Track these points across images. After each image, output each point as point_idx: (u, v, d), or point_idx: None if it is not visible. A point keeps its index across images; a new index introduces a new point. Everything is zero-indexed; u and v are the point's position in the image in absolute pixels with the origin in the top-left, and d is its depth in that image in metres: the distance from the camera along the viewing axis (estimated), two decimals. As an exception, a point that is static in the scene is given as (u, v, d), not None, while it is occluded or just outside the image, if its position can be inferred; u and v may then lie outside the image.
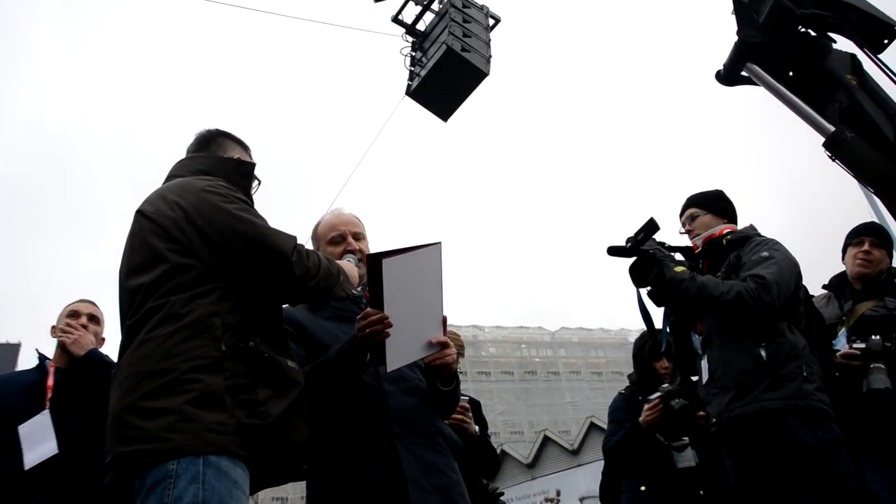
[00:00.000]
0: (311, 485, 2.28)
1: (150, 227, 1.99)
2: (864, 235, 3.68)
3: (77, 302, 3.39)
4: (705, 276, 3.07)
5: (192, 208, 1.97)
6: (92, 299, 3.47)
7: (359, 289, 2.39)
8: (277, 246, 1.94)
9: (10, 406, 3.03)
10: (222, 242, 1.93)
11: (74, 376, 3.14)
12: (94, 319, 3.34)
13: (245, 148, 2.40)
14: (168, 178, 2.21)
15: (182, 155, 2.35)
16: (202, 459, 1.67)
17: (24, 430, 2.96)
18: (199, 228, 1.94)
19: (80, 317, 3.31)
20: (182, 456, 1.66)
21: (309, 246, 2.36)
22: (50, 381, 3.12)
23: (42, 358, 3.27)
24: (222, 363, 1.79)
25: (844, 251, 3.75)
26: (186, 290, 1.88)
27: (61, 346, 3.23)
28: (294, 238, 2.01)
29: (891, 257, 3.68)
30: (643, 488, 3.64)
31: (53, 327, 3.32)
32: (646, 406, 3.56)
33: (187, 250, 1.93)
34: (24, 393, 3.09)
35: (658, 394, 3.52)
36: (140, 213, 2.05)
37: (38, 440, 2.95)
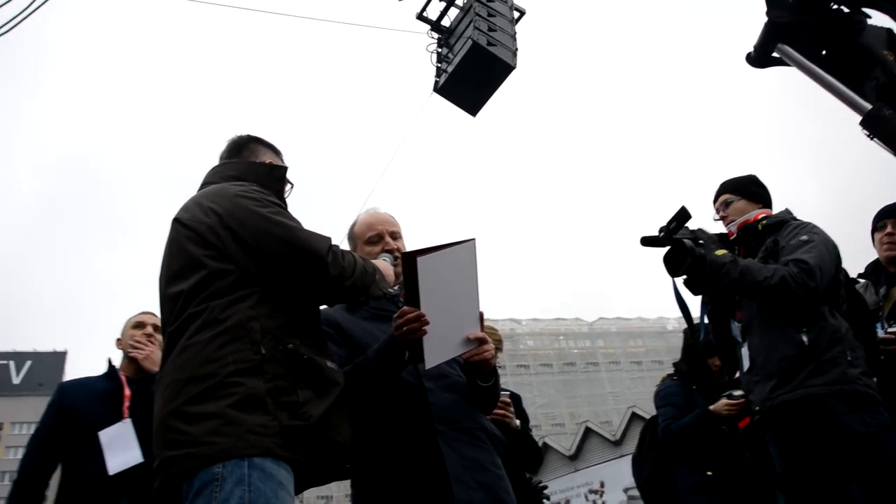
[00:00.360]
0: (356, 483, 2.30)
1: (186, 234, 2.03)
2: (886, 218, 3.62)
3: (141, 314, 3.50)
4: (747, 259, 3.02)
5: (226, 213, 2.00)
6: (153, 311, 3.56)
7: (395, 287, 2.41)
8: (313, 247, 1.97)
9: (87, 411, 3.14)
10: (257, 246, 1.96)
11: (148, 388, 3.22)
12: (159, 329, 3.41)
13: (276, 152, 2.42)
14: (202, 186, 2.25)
15: (215, 161, 2.38)
16: (247, 462, 1.70)
17: (105, 436, 3.05)
18: (235, 233, 1.97)
19: (146, 327, 3.41)
20: (227, 459, 1.70)
21: (345, 246, 2.38)
22: (127, 391, 3.22)
23: (112, 367, 3.37)
24: (263, 366, 1.82)
25: (873, 237, 3.68)
26: (225, 294, 1.91)
27: (130, 359, 3.34)
28: (329, 239, 2.03)
29: None
30: (709, 473, 3.72)
31: (119, 340, 3.43)
32: (728, 401, 3.69)
33: (224, 255, 1.96)
34: (101, 400, 3.19)
35: (741, 392, 3.55)
36: (176, 221, 2.09)
37: (122, 447, 3.04)
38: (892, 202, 3.70)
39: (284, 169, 2.30)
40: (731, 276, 2.90)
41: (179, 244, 2.04)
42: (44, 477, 3.12)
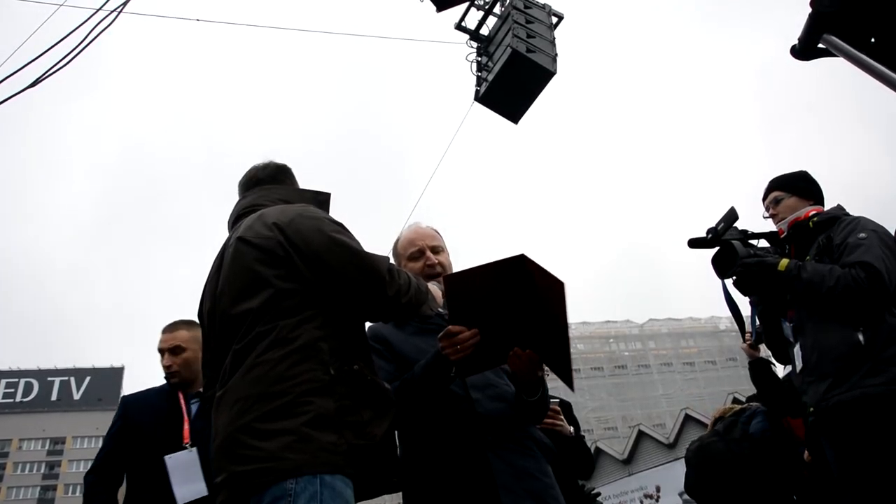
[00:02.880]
0: (406, 495, 2.32)
1: (251, 253, 2.04)
2: None
3: (160, 339, 3.46)
4: (807, 264, 2.97)
5: (290, 229, 2.03)
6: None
7: (443, 307, 2.43)
8: (374, 267, 2.01)
9: (150, 428, 3.16)
10: (320, 263, 1.98)
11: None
12: (178, 343, 3.41)
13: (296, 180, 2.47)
14: (247, 208, 2.27)
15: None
16: (318, 479, 1.74)
17: (171, 462, 3.06)
18: (299, 249, 2.00)
19: (164, 355, 3.38)
20: (300, 475, 1.73)
21: None
22: (185, 415, 3.23)
23: (169, 385, 3.37)
24: (332, 387, 1.86)
25: None
26: (293, 314, 1.94)
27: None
28: (387, 258, 2.08)
29: None
30: None
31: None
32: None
33: (290, 274, 1.99)
34: (162, 418, 3.21)
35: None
36: (240, 240, 2.11)
37: (188, 477, 3.04)
38: None
39: (328, 195, 2.34)
40: (797, 291, 2.93)
41: (244, 263, 2.05)
42: (112, 490, 3.17)
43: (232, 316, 2.03)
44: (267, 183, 2.36)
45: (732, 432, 3.92)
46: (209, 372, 2.15)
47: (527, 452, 2.32)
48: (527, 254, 2.09)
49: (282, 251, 2.00)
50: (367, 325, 2.43)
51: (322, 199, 2.31)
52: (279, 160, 2.44)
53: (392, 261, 2.63)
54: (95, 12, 5.90)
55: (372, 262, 2.02)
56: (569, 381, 2.17)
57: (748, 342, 3.65)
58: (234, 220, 2.28)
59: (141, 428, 3.18)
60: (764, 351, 3.75)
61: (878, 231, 2.97)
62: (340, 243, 2.02)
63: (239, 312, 2.01)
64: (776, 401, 3.75)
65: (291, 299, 1.96)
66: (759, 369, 3.74)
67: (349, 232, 2.12)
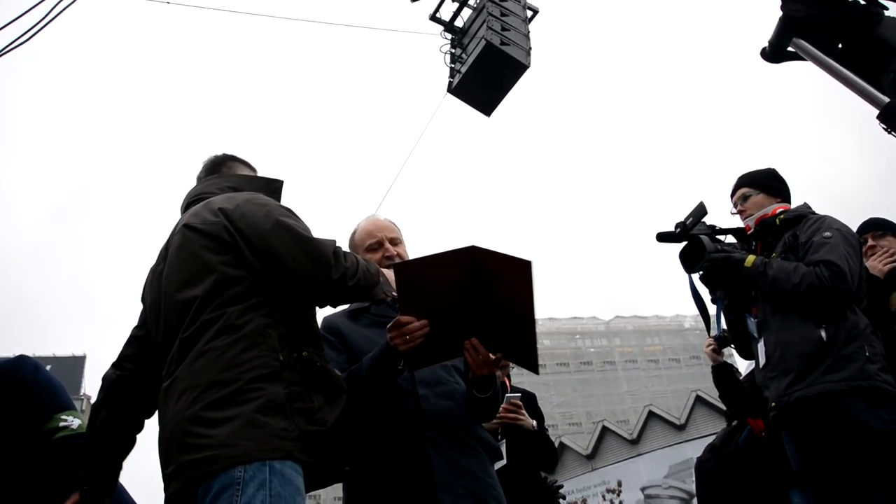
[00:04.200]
0: (347, 487, 2.31)
1: (197, 240, 2.03)
2: (864, 233, 3.65)
3: None
4: (773, 261, 3.01)
5: (236, 214, 2.02)
6: None
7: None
8: (318, 250, 1.98)
9: None
10: (265, 248, 1.96)
11: None
12: None
13: (252, 168, 2.45)
14: (196, 197, 2.25)
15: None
16: (268, 467, 1.72)
17: None
18: (245, 235, 1.98)
19: None
20: (250, 462, 1.71)
21: None
22: None
23: None
24: (281, 373, 1.84)
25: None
26: (240, 301, 1.92)
27: None
28: (333, 242, 2.05)
29: None
30: None
31: None
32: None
33: (237, 261, 1.97)
34: None
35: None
36: (186, 227, 2.09)
37: None
38: (869, 217, 3.74)
39: (281, 182, 2.32)
40: (763, 289, 2.98)
41: (190, 250, 2.04)
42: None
43: (177, 302, 2.00)
44: (217, 172, 2.36)
45: (728, 446, 3.99)
46: (136, 347, 2.15)
47: (470, 452, 2.31)
48: (479, 244, 2.05)
49: (228, 237, 1.99)
50: (322, 315, 2.42)
51: (274, 188, 2.29)
52: (241, 148, 2.43)
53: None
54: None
55: (317, 245, 1.99)
56: (534, 367, 2.15)
57: (711, 347, 3.71)
58: (184, 209, 2.26)
59: None
60: (727, 353, 3.82)
61: (842, 230, 3.02)
62: (285, 227, 1.99)
63: (184, 299, 1.98)
64: (737, 403, 3.83)
65: (238, 286, 1.94)
66: (721, 374, 3.81)
67: (297, 217, 2.10)
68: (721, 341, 3.66)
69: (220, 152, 2.44)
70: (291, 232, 1.99)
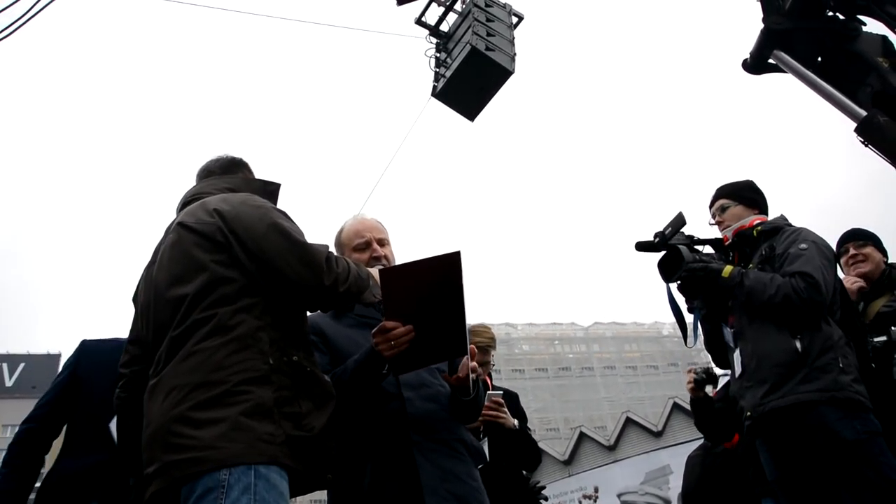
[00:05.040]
0: (331, 492, 2.29)
1: (190, 238, 2.02)
2: (846, 243, 3.73)
3: None
4: (750, 272, 3.04)
5: (230, 215, 2.01)
6: None
7: None
8: (311, 256, 1.97)
9: (99, 387, 2.88)
10: (258, 251, 1.95)
11: None
12: None
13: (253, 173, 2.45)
14: (193, 196, 2.24)
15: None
16: (253, 471, 1.70)
17: (114, 426, 2.86)
18: (238, 236, 1.97)
19: None
20: (235, 465, 1.69)
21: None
22: None
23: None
24: (270, 376, 1.83)
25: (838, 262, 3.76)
26: (231, 302, 1.91)
27: None
28: (326, 247, 2.04)
29: (883, 252, 3.71)
30: None
31: None
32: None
33: (230, 261, 1.96)
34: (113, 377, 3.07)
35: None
36: (180, 225, 2.08)
37: None
38: (849, 228, 3.82)
39: (278, 185, 2.31)
40: (739, 298, 3.01)
41: (183, 248, 2.02)
42: (46, 442, 2.94)
43: (168, 300, 1.98)
44: (218, 174, 2.34)
45: (718, 446, 4.05)
46: (133, 350, 2.12)
47: (455, 455, 2.31)
48: (458, 248, 2.06)
49: (221, 237, 1.97)
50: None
51: (271, 190, 2.27)
52: (228, 146, 2.41)
53: (334, 250, 2.61)
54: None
55: (310, 250, 1.98)
56: (463, 350, 2.21)
57: (691, 386, 3.80)
58: (180, 209, 2.24)
59: (91, 385, 2.94)
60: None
61: (817, 242, 3.06)
62: (280, 230, 1.98)
63: (174, 297, 1.96)
64: (713, 432, 3.94)
65: (230, 286, 1.93)
66: (699, 407, 3.89)
67: (293, 221, 2.09)
68: (699, 383, 3.78)
69: (231, 155, 2.43)
70: (285, 235, 1.98)
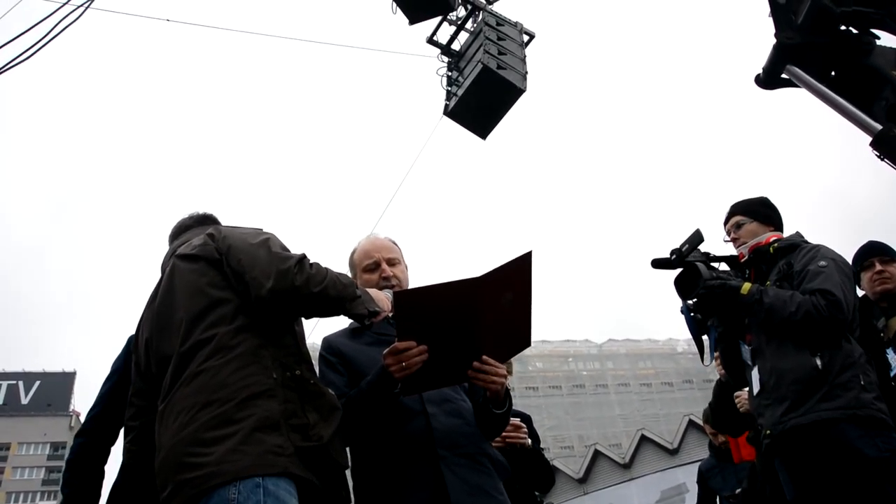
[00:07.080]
0: None
1: (188, 266, 2.11)
2: (871, 257, 3.69)
3: None
4: (769, 289, 3.02)
5: (220, 236, 2.11)
6: None
7: (391, 314, 2.37)
8: (281, 256, 2.00)
9: None
10: (237, 266, 2.01)
11: None
12: None
13: None
14: (182, 244, 2.29)
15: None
16: (262, 489, 1.71)
17: None
18: (228, 255, 2.05)
19: None
20: (247, 477, 1.71)
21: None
22: None
23: None
24: (276, 390, 1.87)
25: (859, 277, 3.71)
26: (229, 322, 1.96)
27: None
28: (298, 254, 2.03)
29: None
30: None
31: None
32: None
33: (224, 282, 2.02)
34: None
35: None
36: (177, 257, 2.18)
37: None
38: (868, 241, 3.78)
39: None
40: (759, 316, 2.98)
41: (181, 275, 2.11)
42: (102, 455, 2.83)
43: (168, 327, 2.04)
44: (195, 227, 2.41)
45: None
46: (139, 402, 2.12)
47: (481, 469, 2.29)
48: (476, 269, 2.09)
49: (217, 255, 2.06)
50: (322, 336, 2.46)
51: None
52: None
53: (349, 273, 2.61)
54: (62, 6, 5.77)
55: (281, 255, 2.01)
56: (527, 341, 2.26)
57: (721, 371, 3.72)
58: (169, 257, 2.30)
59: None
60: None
61: (836, 260, 3.04)
62: (261, 244, 2.04)
63: (174, 322, 2.03)
64: (726, 419, 3.92)
65: (226, 307, 1.98)
66: (726, 389, 3.85)
67: (278, 238, 2.12)
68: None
69: (200, 210, 2.50)
70: (260, 240, 2.05)
